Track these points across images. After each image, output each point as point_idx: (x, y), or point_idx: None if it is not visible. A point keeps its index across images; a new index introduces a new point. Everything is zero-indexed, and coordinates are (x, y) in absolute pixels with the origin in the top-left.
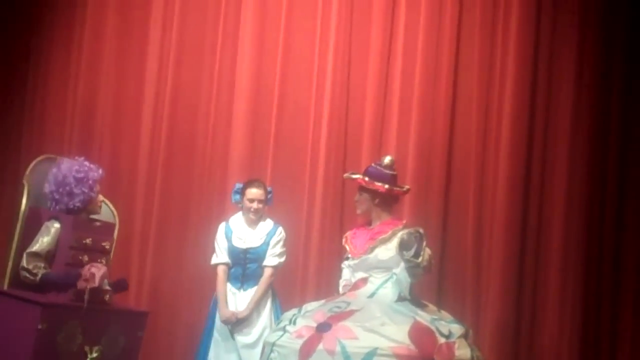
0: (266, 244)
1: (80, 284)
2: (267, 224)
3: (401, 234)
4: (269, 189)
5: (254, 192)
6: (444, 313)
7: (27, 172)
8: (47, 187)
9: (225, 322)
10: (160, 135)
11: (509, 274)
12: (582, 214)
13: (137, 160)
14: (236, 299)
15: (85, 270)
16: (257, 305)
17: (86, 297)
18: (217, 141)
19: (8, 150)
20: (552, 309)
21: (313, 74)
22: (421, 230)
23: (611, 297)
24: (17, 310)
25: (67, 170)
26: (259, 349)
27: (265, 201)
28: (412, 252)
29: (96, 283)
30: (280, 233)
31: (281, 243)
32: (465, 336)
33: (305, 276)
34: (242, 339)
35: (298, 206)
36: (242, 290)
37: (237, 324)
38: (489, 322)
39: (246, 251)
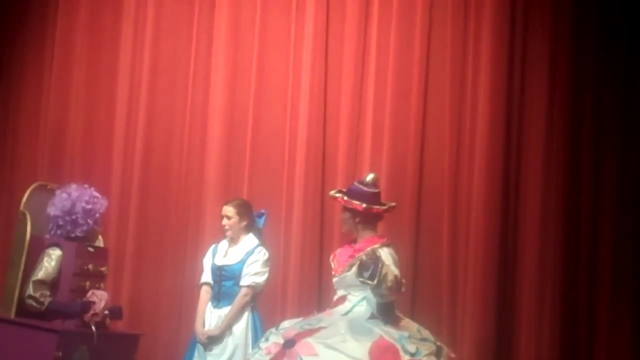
0: (242, 262)
1: (87, 316)
2: (249, 244)
3: (359, 255)
4: (262, 211)
5: (223, 209)
6: (422, 331)
7: (24, 200)
8: (52, 211)
9: (199, 340)
10: (133, 157)
11: (486, 292)
12: (559, 227)
13: (110, 184)
14: (211, 317)
15: (92, 299)
16: (228, 325)
17: (93, 326)
18: (192, 162)
19: None
20: (530, 325)
21: (287, 94)
22: (378, 252)
23: (588, 309)
24: (32, 338)
25: (77, 199)
26: None
27: (238, 220)
28: (369, 274)
29: (102, 310)
30: (259, 252)
31: (259, 263)
32: (437, 354)
33: (285, 296)
34: (212, 358)
35: (275, 227)
36: (217, 308)
37: (209, 342)
38: (466, 342)
39: (221, 268)
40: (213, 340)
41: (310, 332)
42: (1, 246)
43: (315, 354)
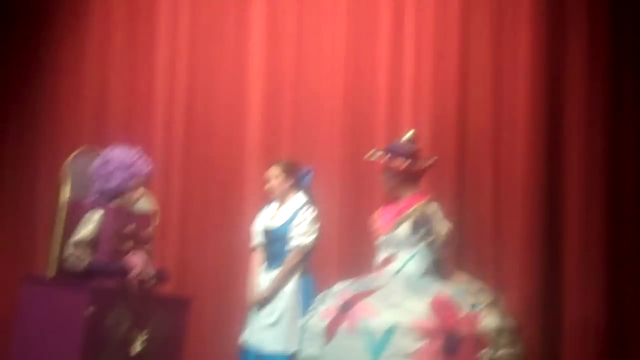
0: (289, 223)
1: (127, 273)
2: (296, 203)
3: (415, 212)
4: (308, 169)
5: (270, 170)
6: (474, 283)
7: (67, 163)
8: (93, 170)
9: (252, 303)
10: (174, 122)
11: (531, 247)
12: (604, 180)
13: (153, 149)
14: (263, 279)
15: (130, 260)
16: (278, 286)
17: (133, 285)
18: (233, 125)
19: (25, 147)
20: (576, 280)
21: (326, 54)
22: (432, 209)
23: (635, 264)
24: (66, 296)
25: (116, 155)
26: (279, 331)
27: (283, 179)
28: (424, 230)
29: (142, 272)
30: (306, 212)
31: (305, 222)
32: (494, 304)
33: (327, 257)
34: (262, 319)
35: (316, 188)
36: (269, 271)
37: (260, 304)
38: (512, 298)
39: (270, 230)
40: (263, 302)
41: (367, 293)
42: (48, 211)
43: (376, 314)
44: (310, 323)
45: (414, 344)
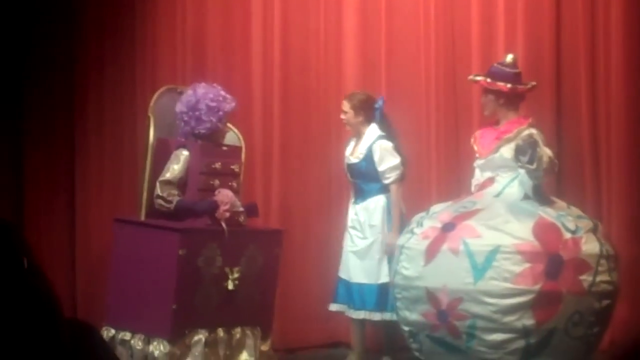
0: (365, 158)
1: (215, 211)
2: (369, 138)
3: (517, 136)
4: (380, 98)
5: (342, 104)
6: (573, 209)
7: (152, 103)
8: (179, 107)
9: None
10: (272, 58)
11: (631, 169)
12: None
13: (251, 84)
14: (350, 212)
15: (218, 197)
16: (399, 225)
17: (223, 223)
18: (330, 59)
19: (123, 85)
20: None
21: None
22: (535, 136)
23: None
24: (157, 238)
25: (202, 95)
26: (366, 263)
27: (353, 114)
28: (527, 158)
29: (229, 208)
30: (381, 147)
31: (387, 157)
32: (594, 231)
33: (425, 181)
34: (352, 246)
35: (415, 115)
36: (355, 205)
37: (389, 249)
38: (614, 221)
39: (350, 166)
40: (393, 247)
41: (468, 215)
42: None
43: (479, 236)
44: (408, 245)
45: (516, 267)
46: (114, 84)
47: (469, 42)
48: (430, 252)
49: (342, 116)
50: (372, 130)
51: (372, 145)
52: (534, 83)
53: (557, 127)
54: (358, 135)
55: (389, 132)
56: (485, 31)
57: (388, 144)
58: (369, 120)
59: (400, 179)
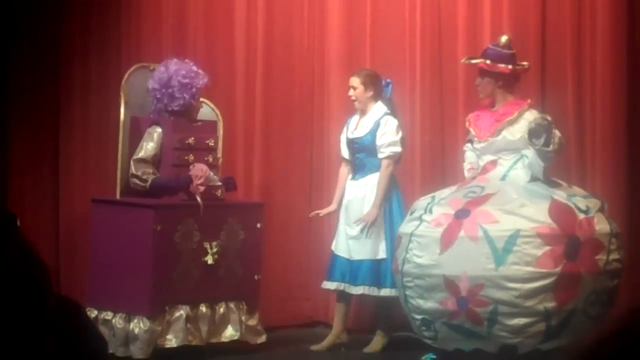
0: (371, 133)
1: (191, 186)
2: (376, 113)
3: (529, 122)
4: (388, 80)
5: (350, 80)
6: (576, 189)
7: (123, 82)
8: (151, 84)
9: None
10: (255, 32)
11: (616, 145)
12: None
13: (234, 60)
14: (349, 188)
15: (192, 172)
16: (381, 200)
17: (199, 197)
18: (314, 36)
19: (108, 61)
20: None
21: None
22: (549, 118)
23: None
24: (133, 216)
25: (174, 72)
26: (365, 240)
27: (363, 90)
28: (542, 140)
29: (203, 182)
30: (387, 122)
31: (390, 132)
32: (602, 210)
33: (410, 164)
34: (349, 230)
35: (400, 95)
36: (353, 180)
37: (365, 224)
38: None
39: (353, 141)
40: (371, 219)
41: (481, 200)
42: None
43: (496, 221)
44: (417, 232)
45: (537, 250)
46: (99, 59)
47: (455, 22)
48: (447, 240)
49: (351, 92)
50: (379, 107)
51: (379, 120)
52: (526, 63)
53: (542, 107)
54: (363, 112)
55: (394, 114)
56: (471, 11)
57: (394, 122)
58: (377, 96)
59: (394, 158)
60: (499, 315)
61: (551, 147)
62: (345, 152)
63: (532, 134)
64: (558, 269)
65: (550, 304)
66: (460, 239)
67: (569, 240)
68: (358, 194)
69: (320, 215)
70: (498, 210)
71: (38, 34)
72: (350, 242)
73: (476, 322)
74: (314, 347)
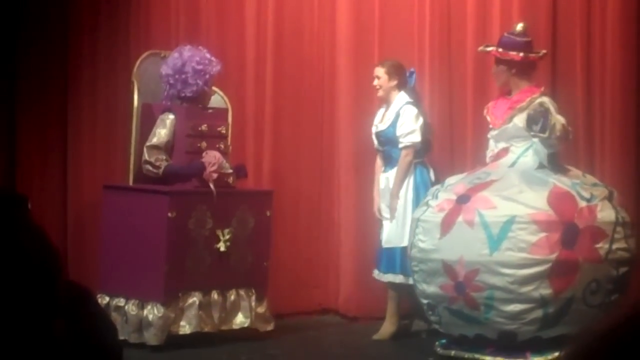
0: (393, 124)
1: (204, 173)
2: (398, 103)
3: (529, 105)
4: (412, 69)
5: (375, 70)
6: (588, 177)
7: (135, 69)
8: (164, 70)
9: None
10: (266, 20)
11: (625, 132)
12: None
13: (245, 47)
14: (381, 180)
15: (204, 159)
16: (397, 188)
17: (212, 184)
18: (323, 24)
19: (117, 47)
20: None
21: None
22: (546, 104)
23: None
24: (147, 202)
25: (189, 58)
26: (392, 227)
27: (387, 79)
28: (539, 127)
29: (216, 169)
30: (406, 111)
31: (408, 122)
32: (609, 198)
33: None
34: (384, 214)
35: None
36: (384, 172)
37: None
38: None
39: (379, 134)
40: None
41: (483, 186)
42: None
43: (494, 207)
44: (423, 217)
45: (532, 237)
46: (108, 46)
47: (464, 10)
48: (446, 225)
49: (376, 82)
50: (401, 97)
51: (399, 110)
52: (544, 51)
53: (552, 95)
54: (387, 103)
55: (417, 102)
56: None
57: (413, 110)
58: (401, 85)
59: (414, 147)
60: (495, 301)
61: (547, 134)
62: (375, 144)
63: (530, 120)
64: (554, 256)
65: (546, 291)
66: (458, 224)
67: (567, 227)
68: (388, 185)
69: (379, 216)
70: (497, 197)
71: (47, 20)
72: (384, 231)
73: (473, 307)
74: (375, 337)
